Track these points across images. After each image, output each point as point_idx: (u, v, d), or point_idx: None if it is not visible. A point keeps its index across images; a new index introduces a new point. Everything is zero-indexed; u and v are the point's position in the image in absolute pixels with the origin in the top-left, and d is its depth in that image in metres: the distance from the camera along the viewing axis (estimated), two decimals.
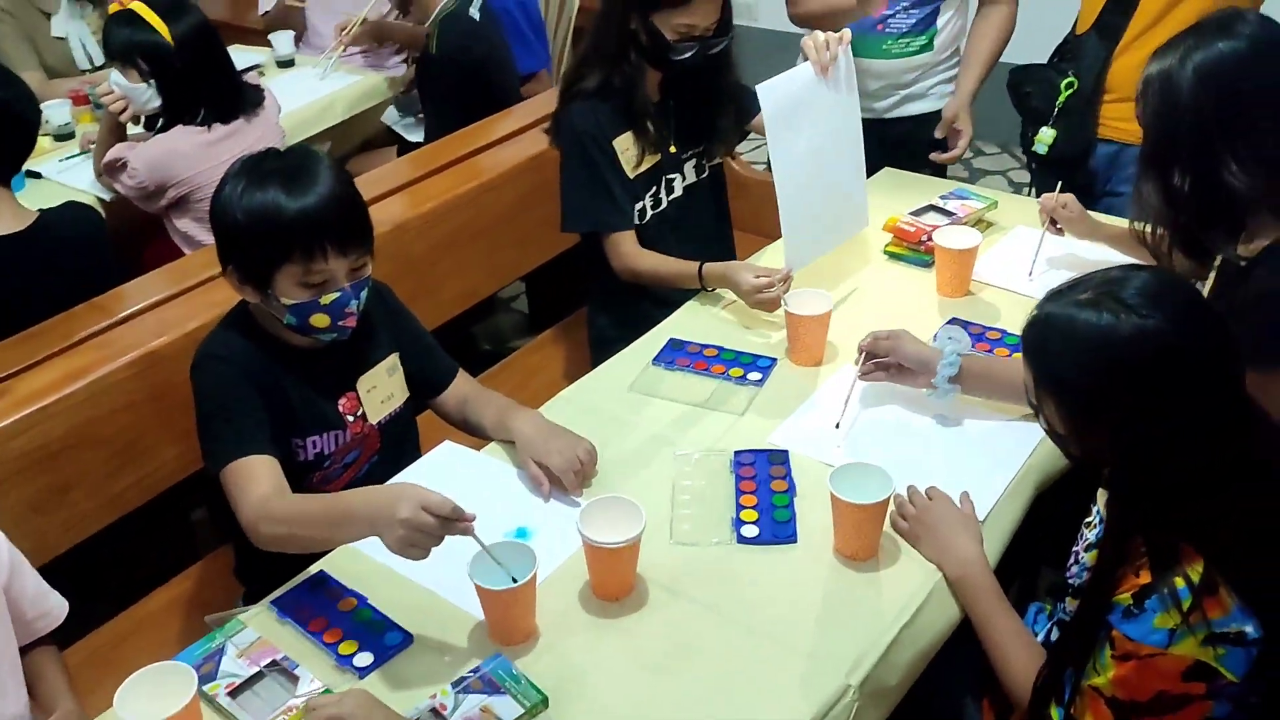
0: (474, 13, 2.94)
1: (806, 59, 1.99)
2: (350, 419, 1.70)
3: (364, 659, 1.38)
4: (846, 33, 2.00)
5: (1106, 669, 1.21)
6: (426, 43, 2.96)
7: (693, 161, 2.25)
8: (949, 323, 1.90)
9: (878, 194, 2.41)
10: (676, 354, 1.94)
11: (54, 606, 1.49)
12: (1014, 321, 1.91)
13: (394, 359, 1.77)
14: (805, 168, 1.98)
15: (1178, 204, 1.55)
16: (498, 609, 1.38)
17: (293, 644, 1.41)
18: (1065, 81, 2.32)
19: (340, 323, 1.59)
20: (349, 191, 1.58)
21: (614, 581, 1.45)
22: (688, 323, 2.04)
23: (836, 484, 1.47)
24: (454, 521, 1.31)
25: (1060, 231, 2.05)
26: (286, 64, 3.36)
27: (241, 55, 3.38)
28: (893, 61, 2.52)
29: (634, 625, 1.42)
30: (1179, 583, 1.16)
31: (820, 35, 1.98)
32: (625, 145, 2.12)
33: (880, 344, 1.72)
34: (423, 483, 1.65)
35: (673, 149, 2.19)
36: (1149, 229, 1.61)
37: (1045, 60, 2.45)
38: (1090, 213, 2.03)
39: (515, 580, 1.35)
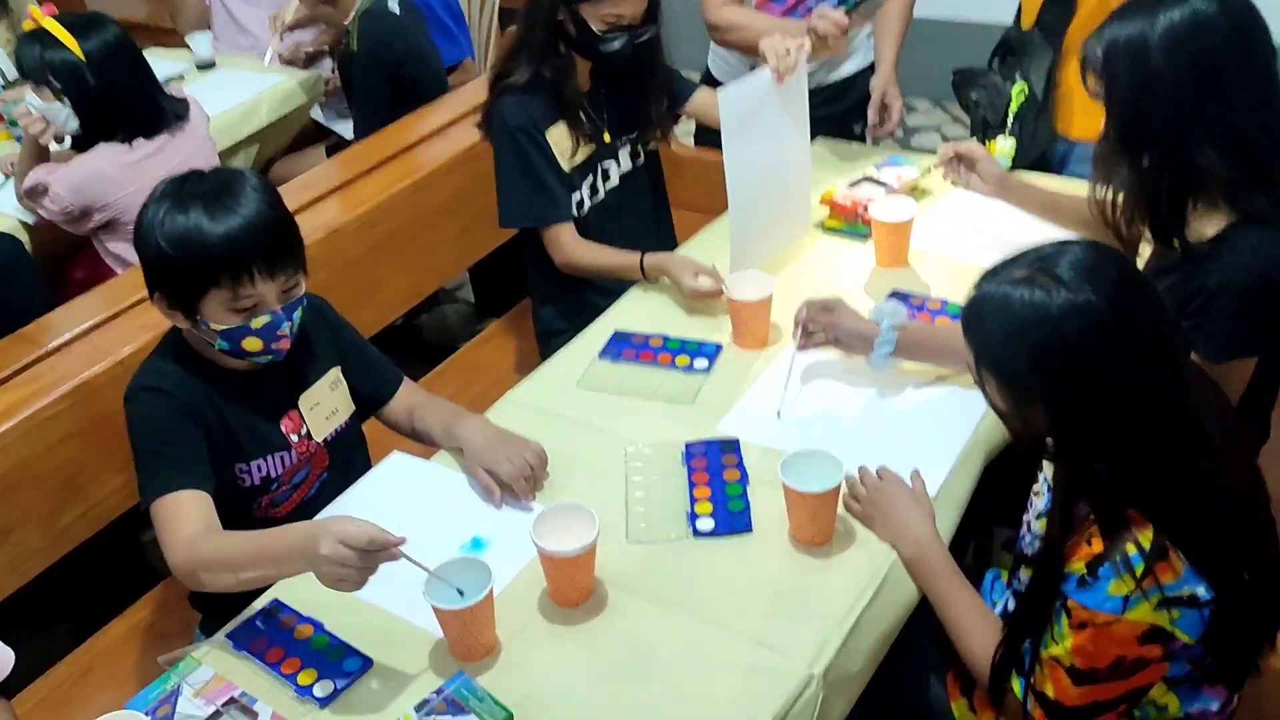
0: (393, 7, 2.88)
1: (763, 64, 1.97)
2: (294, 438, 1.67)
3: (324, 688, 1.37)
4: (805, 41, 1.99)
5: (1064, 638, 1.23)
6: (346, 40, 2.89)
7: (628, 149, 2.23)
8: (890, 296, 1.90)
9: (812, 166, 2.40)
10: (622, 346, 1.93)
11: None
12: (954, 289, 1.91)
13: (335, 373, 1.74)
14: (756, 174, 1.98)
15: (1148, 182, 1.51)
16: (456, 628, 1.37)
17: (250, 678, 1.39)
18: (1018, 88, 2.24)
19: (274, 345, 1.56)
20: (276, 211, 1.54)
21: (572, 588, 1.44)
22: (632, 311, 2.03)
23: (787, 473, 1.47)
24: (376, 552, 1.29)
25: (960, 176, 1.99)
26: (207, 66, 3.27)
27: (160, 63, 3.29)
28: None
29: (595, 631, 1.42)
30: (1130, 549, 1.18)
31: (780, 41, 1.96)
32: (558, 137, 2.09)
33: (817, 318, 1.72)
34: (372, 496, 1.66)
35: (607, 137, 2.17)
36: (1109, 204, 1.57)
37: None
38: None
39: (462, 593, 1.34)
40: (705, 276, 1.94)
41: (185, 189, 1.52)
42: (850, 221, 2.15)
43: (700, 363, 1.87)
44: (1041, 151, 2.30)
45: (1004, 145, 2.22)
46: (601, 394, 1.83)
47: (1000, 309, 1.21)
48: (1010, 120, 2.22)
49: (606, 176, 2.20)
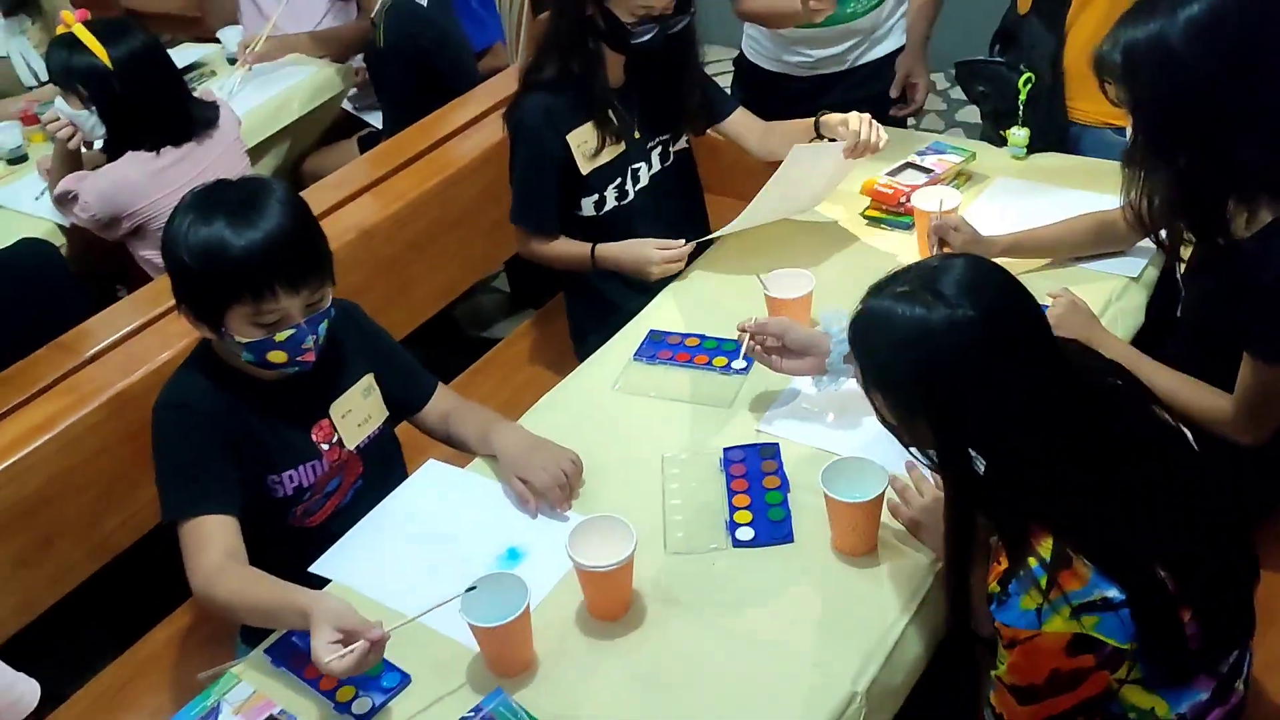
0: (420, 0, 2.84)
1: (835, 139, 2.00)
2: (325, 447, 1.65)
3: (362, 704, 1.36)
4: (880, 132, 1.98)
5: (1003, 658, 1.23)
6: (374, 35, 2.86)
7: (659, 149, 2.17)
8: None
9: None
10: (657, 347, 1.90)
11: (24, 694, 1.43)
12: None
13: (368, 380, 1.72)
14: (777, 207, 2.04)
15: (1186, 185, 1.45)
16: (493, 644, 1.35)
17: (289, 695, 1.39)
18: (1024, 78, 2.18)
19: (299, 358, 1.54)
20: (301, 223, 1.51)
21: (609, 602, 1.42)
22: (667, 309, 1.99)
23: (829, 482, 1.44)
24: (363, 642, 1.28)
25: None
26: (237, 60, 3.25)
27: (188, 53, 3.29)
28: (855, 23, 2.45)
29: (633, 645, 1.39)
30: (1032, 562, 1.17)
31: (861, 123, 1.96)
32: (584, 138, 2.05)
33: (769, 326, 1.66)
34: (408, 506, 1.65)
35: (638, 135, 2.12)
36: (1144, 205, 1.51)
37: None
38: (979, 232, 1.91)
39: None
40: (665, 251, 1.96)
41: (210, 201, 1.50)
42: (893, 210, 2.09)
43: (738, 363, 1.82)
44: (1058, 137, 2.24)
45: (1018, 135, 2.20)
46: (638, 397, 1.80)
47: (883, 325, 1.21)
48: (1021, 109, 2.18)
49: (637, 179, 2.15)
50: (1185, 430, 1.34)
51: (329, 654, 1.27)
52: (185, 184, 2.44)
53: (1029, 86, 2.18)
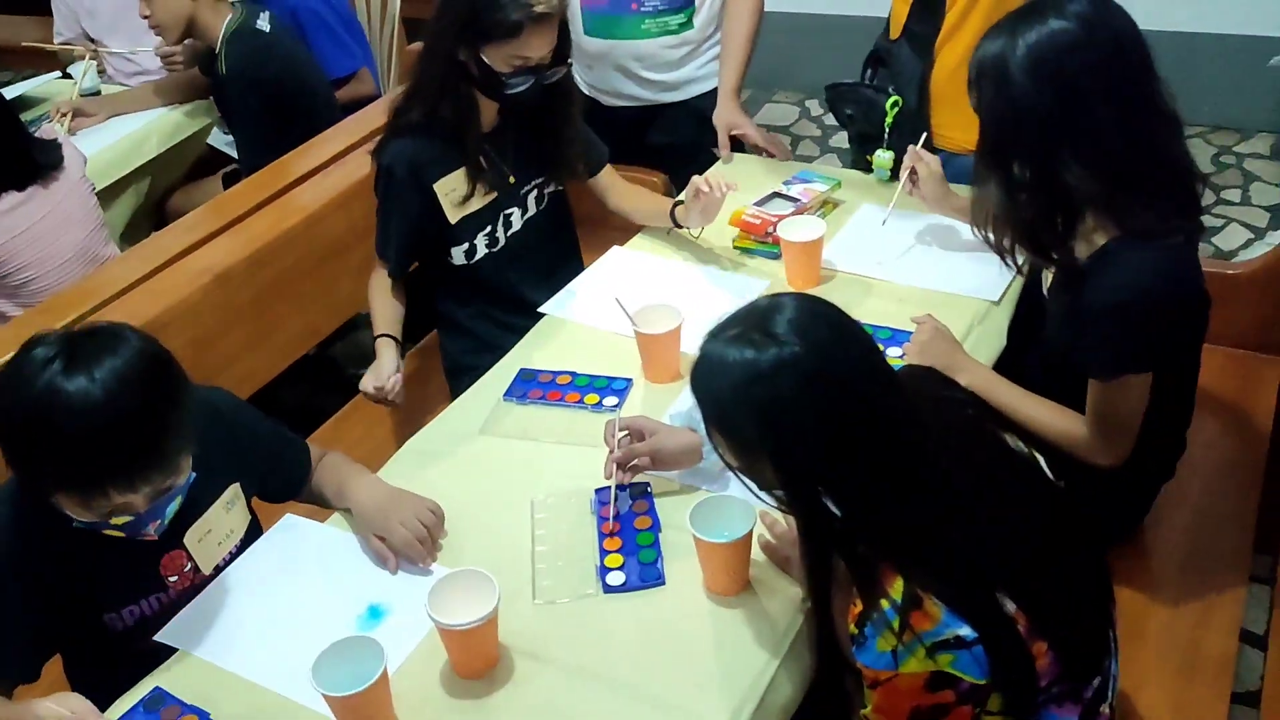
0: (262, 25, 2.75)
1: None
2: (174, 579, 1.48)
3: None
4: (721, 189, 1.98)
5: (869, 698, 1.22)
6: (215, 64, 2.76)
7: (534, 193, 2.13)
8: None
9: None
10: (528, 385, 1.85)
11: None
12: (869, 309, 1.86)
13: (233, 491, 1.55)
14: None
15: (1018, 200, 1.50)
16: (349, 713, 1.28)
17: None
18: (890, 101, 2.22)
19: (141, 537, 1.38)
20: (151, 407, 1.28)
21: (474, 660, 1.36)
22: (540, 347, 1.95)
23: (698, 522, 1.41)
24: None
25: (917, 190, 1.98)
26: (92, 95, 3.11)
27: (31, 87, 3.14)
28: (653, 40, 2.44)
29: (500, 704, 1.34)
30: (885, 604, 1.16)
31: (705, 207, 1.99)
32: (453, 185, 1.99)
33: (636, 449, 1.56)
34: (264, 564, 1.55)
35: (512, 180, 2.07)
36: (989, 223, 1.57)
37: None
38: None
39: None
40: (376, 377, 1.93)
41: (40, 357, 1.26)
42: (761, 240, 2.09)
43: (610, 400, 1.79)
44: None
45: (883, 158, 2.21)
46: (507, 439, 1.74)
47: (718, 368, 1.19)
48: (887, 133, 2.20)
49: (509, 224, 2.10)
50: (1039, 458, 1.35)
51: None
52: (29, 229, 2.34)
53: (895, 110, 2.21)
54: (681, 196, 2.10)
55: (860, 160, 2.35)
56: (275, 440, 1.67)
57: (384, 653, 1.28)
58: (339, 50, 3.16)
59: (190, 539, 1.50)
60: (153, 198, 3.09)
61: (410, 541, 1.50)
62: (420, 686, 1.36)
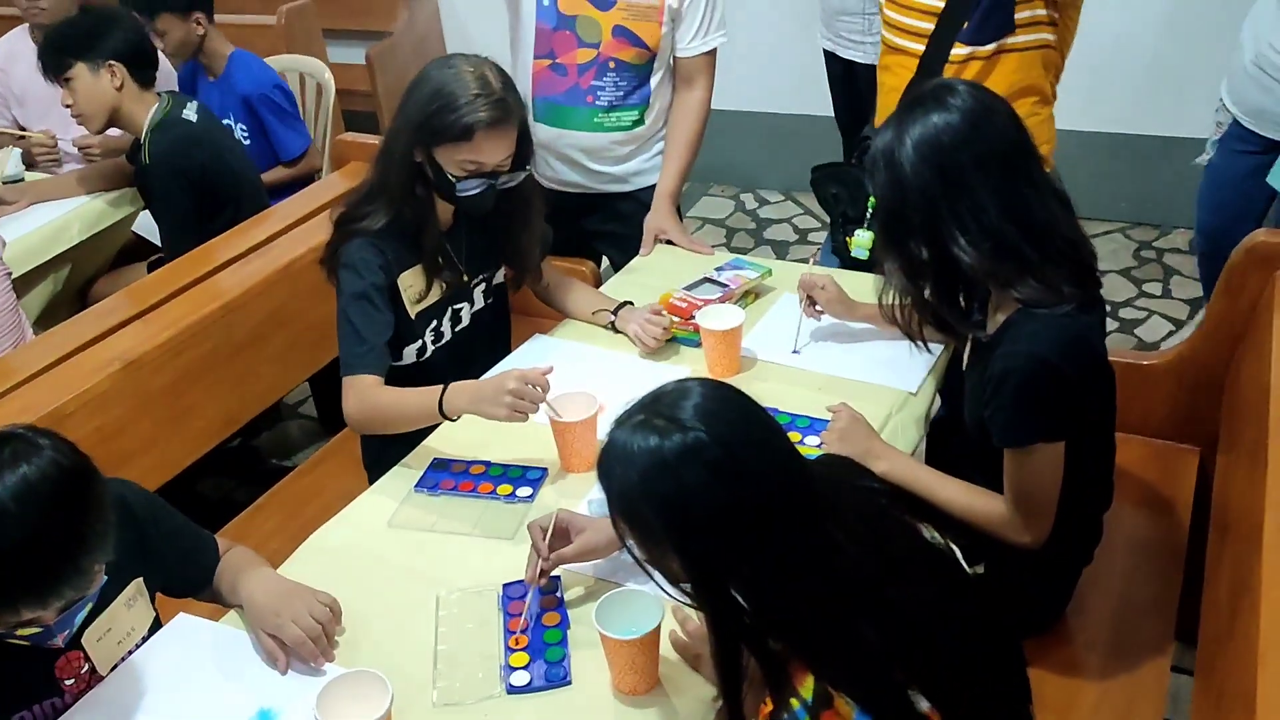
0: (189, 115, 2.74)
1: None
2: (70, 681, 1.40)
3: None
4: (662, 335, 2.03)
5: None
6: (137, 154, 2.74)
7: (482, 286, 2.11)
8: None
9: (653, 268, 2.35)
10: (440, 475, 1.80)
11: None
12: (785, 398, 1.85)
13: (135, 587, 1.48)
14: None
15: (918, 278, 1.57)
16: None
17: None
18: None
19: (47, 646, 1.33)
20: (63, 522, 1.22)
21: None
22: (456, 436, 1.90)
23: (604, 618, 1.36)
24: None
25: (819, 313, 2.02)
26: (15, 182, 3.07)
27: None
28: (605, 135, 2.45)
29: None
30: (795, 703, 1.13)
31: (650, 334, 2.02)
32: (411, 280, 1.96)
33: (564, 554, 1.51)
34: (154, 665, 1.47)
35: (465, 278, 2.05)
36: (896, 305, 1.61)
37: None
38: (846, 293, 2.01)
39: None
40: (526, 388, 1.70)
41: None
42: (683, 327, 2.08)
43: (523, 490, 1.75)
44: None
45: (862, 238, 2.24)
46: (416, 532, 1.69)
47: (622, 456, 1.16)
48: (869, 214, 2.23)
49: (458, 319, 2.08)
50: (955, 549, 1.33)
51: None
52: None
53: None
54: (627, 305, 2.12)
55: (838, 238, 2.38)
56: (183, 535, 1.60)
57: None
58: (293, 132, 3.21)
59: (89, 638, 1.42)
60: (74, 285, 3.04)
61: (301, 639, 1.44)
62: None
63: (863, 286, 2.00)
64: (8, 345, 2.41)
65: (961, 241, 1.49)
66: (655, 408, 1.17)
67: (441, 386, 1.77)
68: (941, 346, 1.98)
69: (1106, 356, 1.62)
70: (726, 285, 2.16)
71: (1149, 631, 1.80)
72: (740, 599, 1.16)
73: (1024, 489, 1.57)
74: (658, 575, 1.21)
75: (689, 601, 1.21)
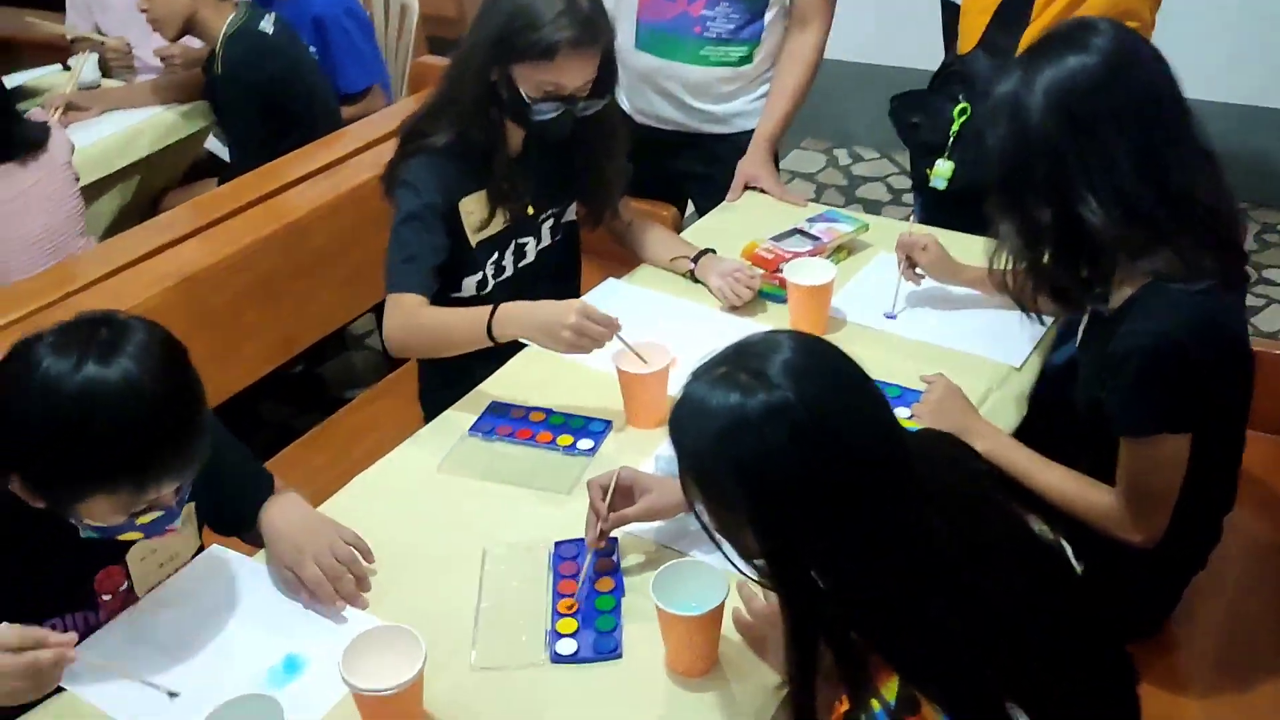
0: (265, 27, 2.64)
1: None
2: (107, 597, 1.35)
3: None
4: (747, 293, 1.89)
5: None
6: (211, 64, 2.65)
7: (550, 222, 1.97)
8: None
9: (740, 216, 2.20)
10: (497, 421, 1.69)
11: None
12: (874, 364, 1.68)
13: (188, 510, 1.41)
14: None
15: (1037, 243, 1.40)
16: None
17: None
18: (958, 109, 2.11)
19: (155, 538, 1.30)
20: (184, 382, 1.21)
21: None
22: (516, 379, 1.79)
23: (662, 590, 1.23)
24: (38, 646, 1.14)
25: (918, 276, 1.85)
26: (91, 88, 3.01)
27: (28, 74, 3.05)
28: (710, 70, 2.28)
29: None
30: (875, 705, 1.00)
31: (732, 289, 1.89)
32: (471, 208, 1.83)
33: (627, 515, 1.39)
34: (179, 601, 1.39)
35: (530, 211, 1.92)
36: (1009, 271, 1.44)
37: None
38: (951, 255, 1.84)
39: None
40: (589, 324, 1.55)
41: (79, 353, 1.14)
42: (769, 280, 1.93)
43: (584, 443, 1.63)
44: (984, 177, 2.12)
45: (942, 168, 2.10)
46: (467, 479, 1.58)
47: (699, 412, 1.03)
48: (950, 142, 2.09)
49: (522, 254, 1.95)
50: (1065, 546, 1.17)
51: None
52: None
53: (963, 119, 2.10)
54: (709, 252, 1.98)
55: (919, 173, 2.23)
56: (242, 469, 1.51)
57: (283, 716, 1.11)
58: (357, 65, 3.05)
59: (133, 555, 1.36)
60: (144, 198, 2.98)
61: (320, 580, 1.35)
62: None
63: (968, 249, 1.83)
64: (73, 249, 2.36)
65: (1090, 203, 1.31)
66: (740, 361, 1.03)
67: (492, 306, 1.64)
68: (1051, 319, 1.80)
69: (1247, 341, 1.44)
70: (818, 238, 2.00)
71: (1263, 647, 1.62)
72: (819, 581, 1.02)
73: (1140, 482, 1.41)
74: (727, 547, 1.08)
75: (761, 580, 1.07)
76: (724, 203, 2.27)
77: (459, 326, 1.69)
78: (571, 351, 1.57)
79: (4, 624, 1.15)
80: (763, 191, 2.26)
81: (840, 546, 1.00)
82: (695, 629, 1.23)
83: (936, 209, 2.21)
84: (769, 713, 1.22)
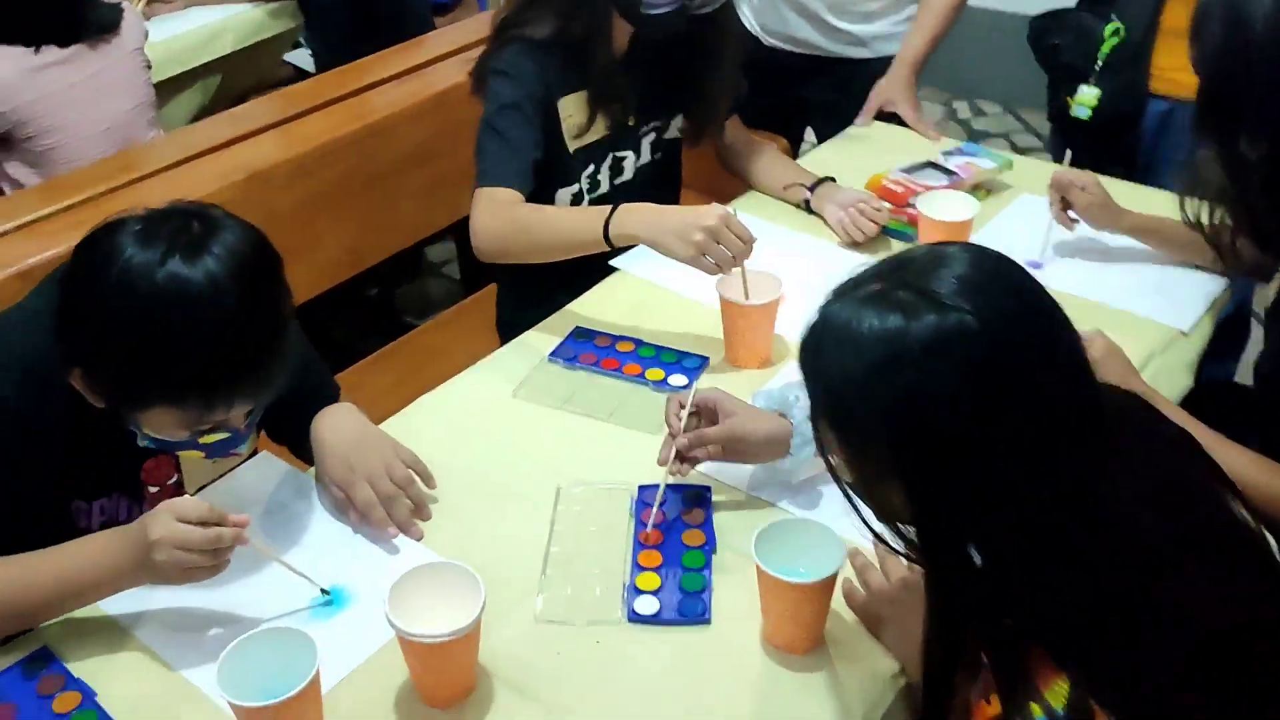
0: None
1: None
2: (154, 489, 1.24)
3: None
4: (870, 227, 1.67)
5: None
6: None
7: (651, 137, 1.77)
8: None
9: (865, 144, 1.99)
10: (581, 346, 1.51)
11: None
12: None
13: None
14: None
15: (1244, 177, 1.16)
16: None
17: None
18: (1110, 28, 1.88)
19: (217, 460, 1.17)
20: (272, 292, 1.08)
21: (441, 685, 1.02)
22: (603, 305, 1.60)
23: (765, 551, 1.04)
24: (219, 526, 1.03)
25: (1073, 221, 1.61)
26: None
27: None
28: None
29: None
30: (1036, 711, 0.81)
31: (852, 222, 1.68)
32: (571, 109, 1.64)
33: (706, 434, 1.20)
34: (230, 502, 1.24)
35: (631, 121, 1.72)
36: (1204, 210, 1.21)
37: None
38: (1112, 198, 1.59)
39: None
40: (727, 232, 1.34)
41: (167, 257, 1.01)
42: (896, 216, 1.71)
43: (677, 378, 1.44)
44: (1135, 107, 1.90)
45: (1086, 94, 1.89)
46: (544, 409, 1.40)
47: (844, 338, 0.83)
48: (1099, 65, 1.87)
49: (620, 170, 1.75)
50: (1269, 539, 0.95)
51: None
52: (66, 89, 2.11)
53: (1115, 40, 1.88)
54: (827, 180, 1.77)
55: (1058, 102, 1.99)
56: (312, 376, 1.36)
57: (318, 656, 0.95)
58: None
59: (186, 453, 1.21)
60: (223, 102, 2.84)
61: (372, 503, 1.19)
62: (366, 707, 1.02)
63: (1115, 193, 1.59)
64: (142, 138, 2.23)
65: None
66: (900, 276, 0.83)
67: (611, 206, 1.45)
68: (1225, 280, 1.56)
69: None
70: (954, 174, 1.77)
71: None
72: (977, 557, 0.82)
73: None
74: (863, 507, 0.88)
75: (902, 549, 0.87)
76: (848, 129, 2.05)
77: (570, 223, 1.51)
78: (696, 262, 1.37)
79: (188, 496, 1.11)
80: (889, 122, 2.03)
81: (1013, 513, 0.79)
82: (804, 599, 1.04)
83: (1075, 143, 1.96)
84: (883, 705, 1.03)
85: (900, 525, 0.85)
